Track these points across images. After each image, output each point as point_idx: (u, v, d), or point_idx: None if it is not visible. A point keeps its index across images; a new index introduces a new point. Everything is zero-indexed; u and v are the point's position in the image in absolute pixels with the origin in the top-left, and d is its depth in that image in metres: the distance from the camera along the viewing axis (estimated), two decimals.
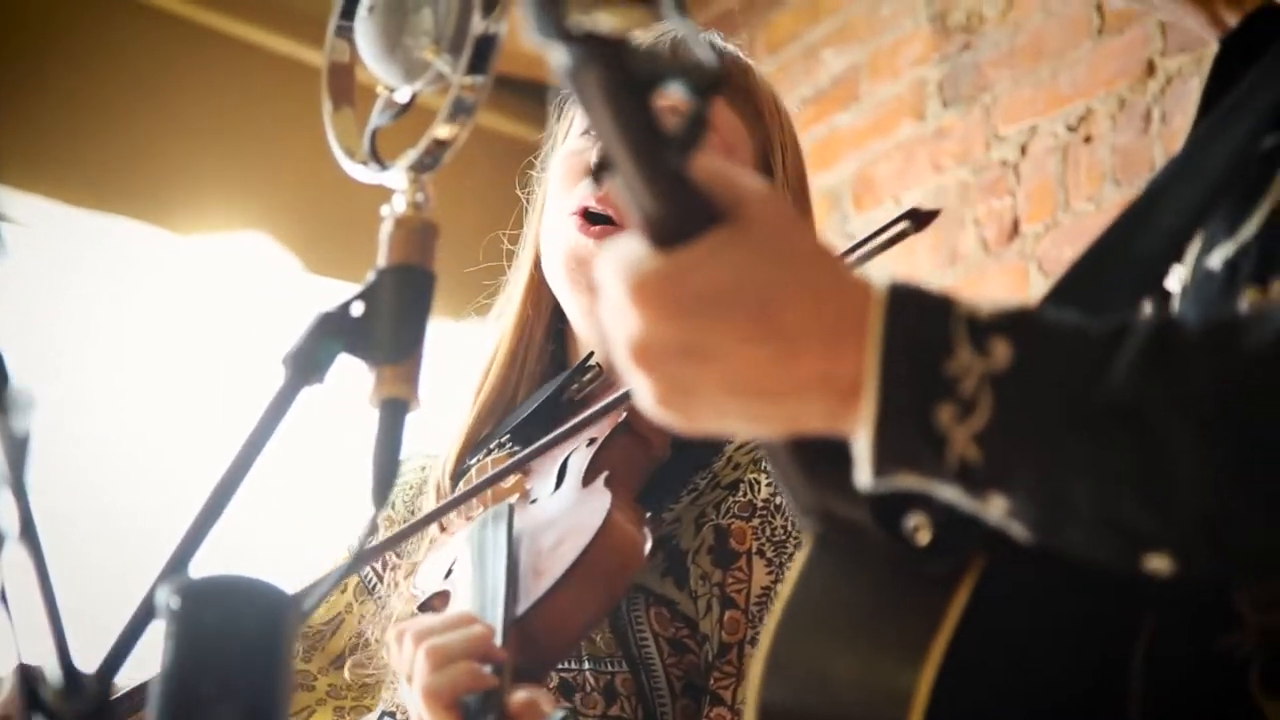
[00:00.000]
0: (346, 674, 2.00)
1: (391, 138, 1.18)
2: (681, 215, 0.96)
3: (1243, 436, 0.92)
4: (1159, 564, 0.96)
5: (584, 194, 1.93)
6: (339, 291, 1.03)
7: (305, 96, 4.63)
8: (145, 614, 0.92)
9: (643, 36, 0.95)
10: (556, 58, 0.93)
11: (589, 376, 1.97)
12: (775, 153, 2.01)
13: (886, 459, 0.98)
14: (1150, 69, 3.63)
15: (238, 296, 4.40)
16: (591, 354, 1.98)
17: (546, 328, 2.06)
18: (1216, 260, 1.18)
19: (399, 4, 1.11)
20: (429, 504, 1.98)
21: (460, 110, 1.06)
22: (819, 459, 1.07)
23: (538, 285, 2.04)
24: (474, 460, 1.96)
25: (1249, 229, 1.15)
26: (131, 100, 4.26)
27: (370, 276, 1.06)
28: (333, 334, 1.03)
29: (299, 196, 4.49)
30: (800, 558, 1.12)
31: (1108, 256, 1.18)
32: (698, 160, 0.97)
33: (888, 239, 1.86)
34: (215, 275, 4.37)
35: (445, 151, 1.07)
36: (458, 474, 1.97)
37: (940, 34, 4.18)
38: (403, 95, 1.14)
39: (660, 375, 0.98)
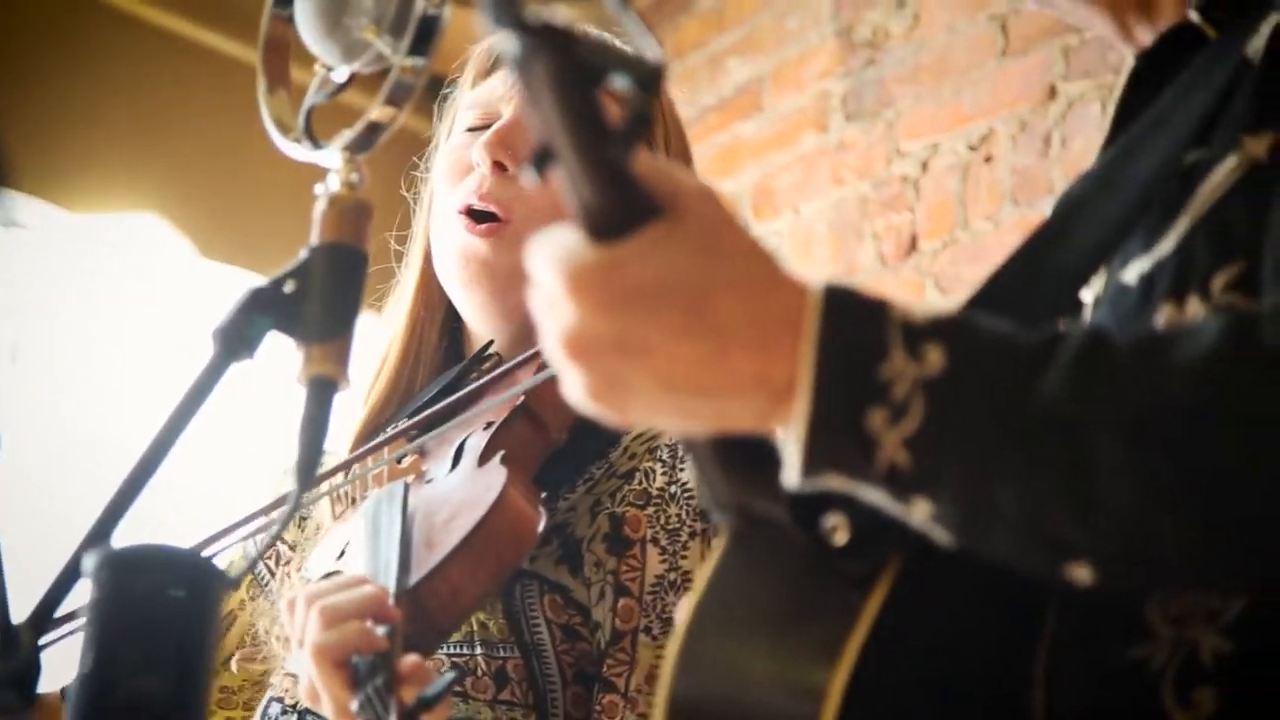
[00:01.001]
0: (234, 666, 1.98)
1: (316, 120, 1.17)
2: (621, 208, 0.97)
3: (1168, 454, 0.93)
4: (1080, 574, 0.97)
5: (468, 191, 1.93)
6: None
7: (208, 81, 4.60)
8: (69, 578, 0.91)
9: (583, 29, 0.95)
10: (506, 46, 0.93)
11: (488, 365, 1.97)
12: (656, 127, 2.02)
13: (816, 460, 0.98)
14: (1052, 92, 3.68)
15: (129, 277, 4.35)
16: (491, 342, 1.98)
17: (440, 326, 2.05)
18: (1132, 274, 1.19)
19: None
20: (324, 502, 1.97)
21: (400, 92, 1.06)
22: (738, 455, 1.08)
23: (429, 283, 2.03)
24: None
25: (1167, 244, 1.15)
26: (28, 74, 4.19)
27: (302, 253, 1.05)
28: (263, 310, 1.03)
29: (195, 181, 4.46)
30: (715, 554, 1.12)
31: (1025, 270, 1.19)
32: (637, 155, 0.97)
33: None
34: (107, 254, 4.32)
35: (382, 132, 1.07)
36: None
37: (846, 48, 4.21)
38: (340, 75, 1.13)
39: (593, 368, 0.98)
